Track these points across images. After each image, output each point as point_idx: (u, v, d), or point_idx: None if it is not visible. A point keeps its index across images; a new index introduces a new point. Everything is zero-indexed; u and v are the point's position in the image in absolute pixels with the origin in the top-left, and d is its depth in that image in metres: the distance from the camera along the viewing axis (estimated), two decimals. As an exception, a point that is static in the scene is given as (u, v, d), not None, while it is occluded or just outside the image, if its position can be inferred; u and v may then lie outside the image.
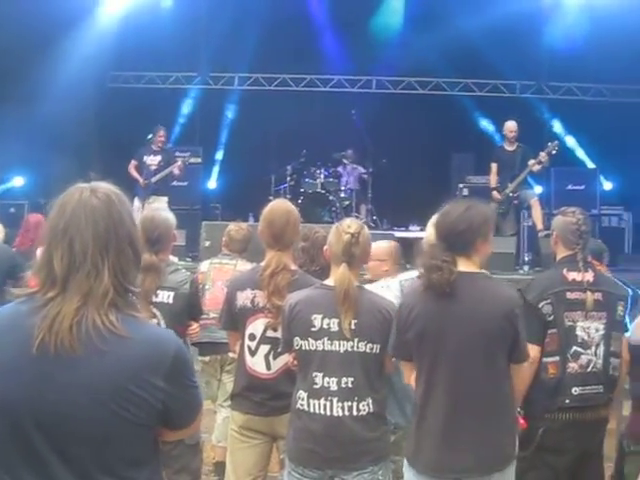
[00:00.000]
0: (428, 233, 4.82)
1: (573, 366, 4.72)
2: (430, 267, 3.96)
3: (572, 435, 4.75)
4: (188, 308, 5.30)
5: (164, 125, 13.42)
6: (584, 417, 4.74)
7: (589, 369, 4.74)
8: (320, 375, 4.20)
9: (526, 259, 12.79)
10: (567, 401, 4.71)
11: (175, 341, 2.50)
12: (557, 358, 4.73)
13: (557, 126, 15.35)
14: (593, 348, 4.75)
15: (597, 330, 4.76)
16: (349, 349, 4.19)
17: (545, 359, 4.73)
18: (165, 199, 12.59)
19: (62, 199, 2.43)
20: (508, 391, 4.09)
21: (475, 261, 4.09)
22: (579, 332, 4.73)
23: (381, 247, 5.68)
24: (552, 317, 4.72)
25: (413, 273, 4.88)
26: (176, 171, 12.91)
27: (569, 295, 4.78)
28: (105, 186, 2.49)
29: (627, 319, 4.97)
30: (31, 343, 2.28)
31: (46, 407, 2.29)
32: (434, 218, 4.49)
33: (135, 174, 12.81)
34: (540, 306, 4.72)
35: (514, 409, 4.21)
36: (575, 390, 4.71)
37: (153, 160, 12.86)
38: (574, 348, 4.72)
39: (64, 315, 2.29)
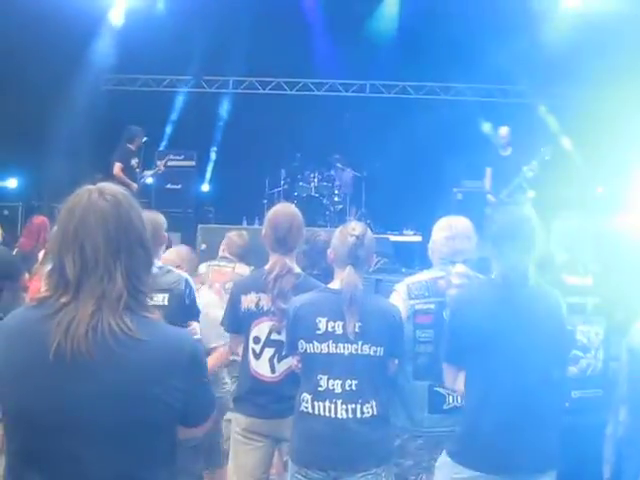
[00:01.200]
0: (435, 237, 4.86)
1: (572, 370, 4.73)
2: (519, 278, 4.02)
3: (572, 439, 4.77)
4: (184, 308, 5.27)
5: (158, 128, 13.40)
6: (584, 421, 4.76)
7: (588, 373, 4.77)
8: (325, 378, 4.21)
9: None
10: (567, 404, 4.73)
11: (190, 340, 2.53)
12: None
13: (553, 131, 15.34)
14: (593, 352, 4.77)
15: (597, 334, 4.79)
16: (353, 352, 4.20)
17: None
18: None
19: (70, 202, 2.43)
20: (556, 394, 4.16)
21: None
22: (579, 336, 4.75)
23: (174, 253, 5.94)
24: None
25: (421, 276, 4.89)
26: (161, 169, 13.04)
27: (569, 299, 4.79)
28: (112, 187, 2.50)
29: None
30: (47, 349, 2.27)
31: (64, 413, 2.29)
32: (443, 222, 4.55)
33: (125, 178, 12.05)
34: None
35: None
36: (575, 394, 4.73)
37: (136, 162, 12.59)
38: (574, 352, 4.74)
39: (79, 320, 2.30)
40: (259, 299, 4.75)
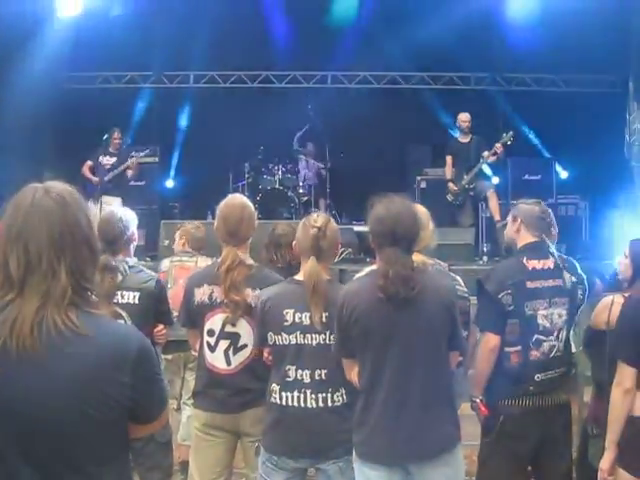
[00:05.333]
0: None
1: (535, 354, 4.76)
2: (402, 278, 3.95)
3: (533, 421, 4.79)
4: (155, 307, 5.31)
5: (120, 125, 13.30)
6: (544, 403, 4.78)
7: (552, 355, 4.78)
8: (293, 368, 4.29)
9: (485, 250, 12.86)
10: (531, 388, 4.75)
11: (137, 335, 2.51)
12: (519, 347, 4.77)
13: (513, 117, 15.36)
14: (555, 333, 4.79)
15: (560, 316, 4.81)
16: (321, 342, 4.28)
17: (507, 348, 4.76)
18: (119, 200, 12.42)
19: (16, 200, 2.42)
20: (448, 378, 4.19)
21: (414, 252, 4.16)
22: (540, 320, 4.77)
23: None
24: (512, 307, 4.74)
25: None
26: (128, 171, 12.79)
27: (529, 284, 4.80)
28: (59, 186, 2.48)
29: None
30: None
31: (11, 410, 2.28)
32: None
33: (89, 175, 12.66)
34: (500, 297, 4.74)
35: (453, 394, 4.26)
36: (538, 377, 4.76)
37: (108, 161, 12.71)
38: (536, 336, 4.76)
39: (24, 317, 2.29)
40: (212, 291, 4.74)
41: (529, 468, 5.04)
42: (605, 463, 4.51)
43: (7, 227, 2.38)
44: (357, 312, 4.01)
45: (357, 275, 4.83)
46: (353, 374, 4.18)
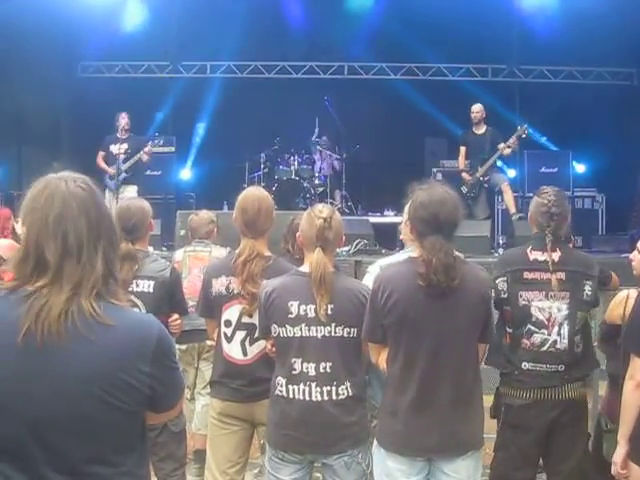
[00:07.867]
0: (406, 218, 4.85)
1: (526, 342, 4.75)
2: (445, 267, 3.93)
3: (535, 414, 4.78)
4: (169, 296, 5.33)
5: (137, 114, 13.28)
6: (546, 396, 4.76)
7: (544, 348, 4.74)
8: (299, 361, 4.24)
9: (501, 242, 12.84)
10: (516, 372, 4.76)
11: (157, 324, 2.52)
12: (511, 331, 4.80)
13: (529, 109, 15.31)
14: (556, 328, 4.73)
15: (559, 310, 4.75)
16: (326, 334, 4.23)
17: (507, 328, 4.82)
18: (135, 188, 12.39)
19: (46, 190, 2.42)
20: (478, 372, 4.18)
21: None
22: (534, 311, 4.74)
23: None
24: (506, 294, 4.77)
25: (392, 258, 4.89)
26: (144, 157, 12.60)
27: (526, 275, 4.78)
28: (82, 176, 2.50)
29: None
30: (16, 334, 2.27)
31: (33, 399, 2.29)
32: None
33: (104, 165, 12.50)
34: (497, 282, 4.77)
35: (481, 389, 4.26)
36: (525, 365, 4.75)
37: (120, 149, 12.49)
38: (528, 326, 4.75)
39: (52, 304, 2.29)
40: (229, 282, 4.75)
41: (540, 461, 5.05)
42: (618, 457, 4.49)
43: (41, 217, 2.38)
44: (394, 299, 4.00)
45: (379, 263, 4.83)
46: (381, 359, 4.18)
